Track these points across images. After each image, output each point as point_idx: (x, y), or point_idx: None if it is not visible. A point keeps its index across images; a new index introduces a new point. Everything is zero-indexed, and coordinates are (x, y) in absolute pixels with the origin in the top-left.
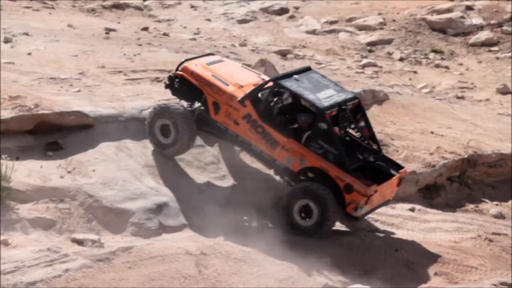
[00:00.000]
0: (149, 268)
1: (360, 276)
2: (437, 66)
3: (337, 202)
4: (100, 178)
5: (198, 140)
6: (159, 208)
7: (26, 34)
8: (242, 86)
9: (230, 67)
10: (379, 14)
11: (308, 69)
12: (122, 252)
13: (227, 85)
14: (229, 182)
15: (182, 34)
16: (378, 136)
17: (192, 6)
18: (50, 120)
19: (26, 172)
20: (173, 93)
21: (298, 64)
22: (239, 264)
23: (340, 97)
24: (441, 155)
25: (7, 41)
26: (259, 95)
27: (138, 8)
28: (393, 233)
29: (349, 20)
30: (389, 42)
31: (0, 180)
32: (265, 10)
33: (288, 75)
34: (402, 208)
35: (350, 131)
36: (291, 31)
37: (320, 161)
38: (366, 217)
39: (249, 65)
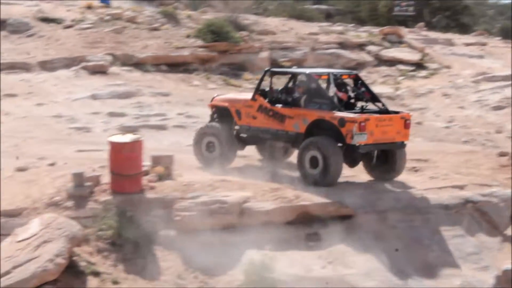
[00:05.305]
0: None
1: None
2: None
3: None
4: (361, 269)
5: (459, 230)
6: None
7: None
8: None
9: None
10: None
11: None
12: None
13: (244, 96)
14: (492, 273)
15: (435, 123)
16: None
17: (444, 94)
18: (310, 211)
19: (289, 262)
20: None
21: None
22: None
23: (334, 71)
24: None
25: None
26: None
27: (390, 97)
28: None
29: None
30: None
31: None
32: None
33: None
34: None
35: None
36: None
37: (317, 113)
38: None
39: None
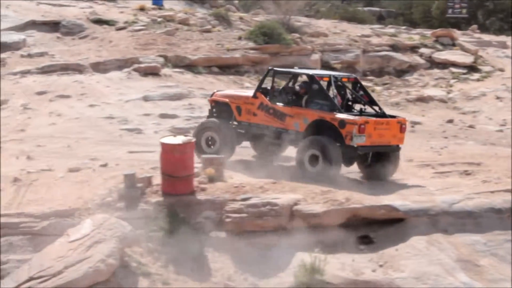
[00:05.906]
0: None
1: None
2: None
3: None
4: (412, 273)
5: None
6: None
7: None
8: None
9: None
10: None
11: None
12: None
13: (245, 92)
14: None
15: (488, 126)
16: None
17: (497, 97)
18: (361, 214)
19: (339, 265)
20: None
21: None
22: None
23: (335, 73)
24: None
25: None
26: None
27: (442, 100)
28: None
29: None
30: None
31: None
32: None
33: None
34: None
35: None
36: None
37: (318, 113)
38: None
39: None
